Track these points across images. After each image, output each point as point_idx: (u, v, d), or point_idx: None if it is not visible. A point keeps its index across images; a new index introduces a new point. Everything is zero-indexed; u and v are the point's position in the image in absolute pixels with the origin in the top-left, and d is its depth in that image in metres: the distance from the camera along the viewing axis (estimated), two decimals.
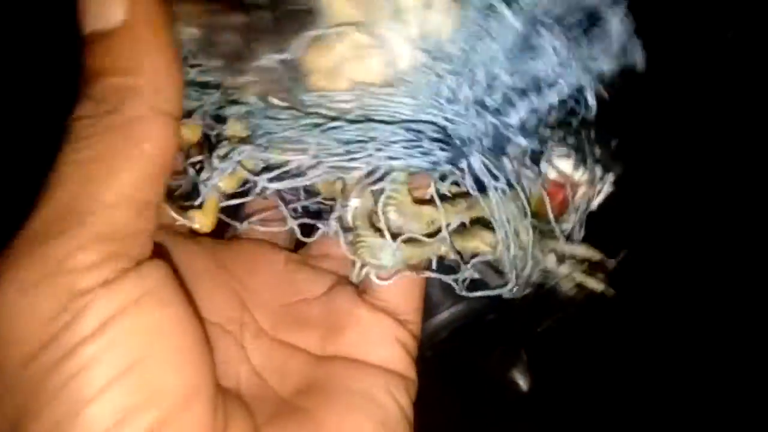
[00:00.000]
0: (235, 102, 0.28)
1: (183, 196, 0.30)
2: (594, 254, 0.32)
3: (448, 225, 0.28)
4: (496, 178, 0.28)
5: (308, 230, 0.32)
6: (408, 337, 0.31)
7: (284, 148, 0.27)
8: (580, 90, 0.29)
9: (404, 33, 0.26)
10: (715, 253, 0.79)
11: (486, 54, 0.27)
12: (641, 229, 0.77)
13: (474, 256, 0.30)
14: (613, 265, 0.32)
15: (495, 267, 0.31)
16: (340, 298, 0.31)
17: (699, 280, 0.78)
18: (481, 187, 0.28)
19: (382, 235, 0.28)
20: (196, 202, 0.29)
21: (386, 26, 0.26)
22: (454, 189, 0.30)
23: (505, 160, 0.28)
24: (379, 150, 0.26)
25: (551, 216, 0.30)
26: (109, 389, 0.21)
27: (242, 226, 0.32)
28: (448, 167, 0.27)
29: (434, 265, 0.31)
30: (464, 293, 0.30)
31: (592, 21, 0.27)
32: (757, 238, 0.79)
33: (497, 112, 0.27)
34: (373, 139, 0.26)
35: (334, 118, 0.27)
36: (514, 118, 0.28)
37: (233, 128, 0.29)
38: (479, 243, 0.30)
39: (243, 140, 0.28)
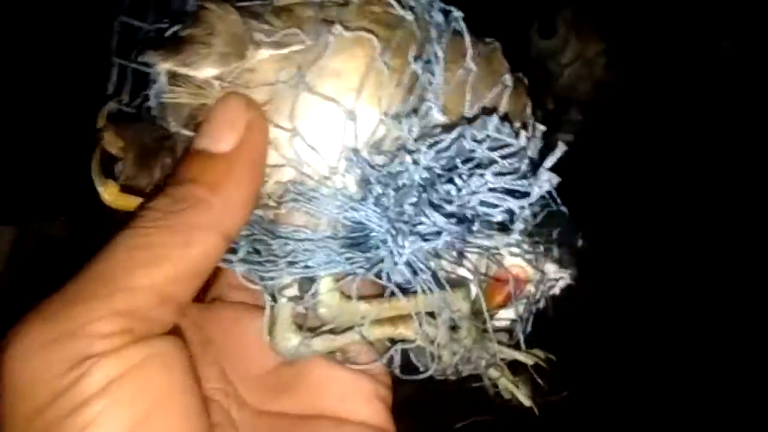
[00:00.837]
0: None
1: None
2: (530, 359, 0.34)
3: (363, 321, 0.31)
4: (416, 274, 0.30)
5: None
6: (385, 391, 0.33)
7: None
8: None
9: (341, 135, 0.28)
10: (709, 268, 0.80)
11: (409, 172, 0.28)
12: (639, 244, 0.78)
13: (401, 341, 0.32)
14: (548, 367, 0.34)
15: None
16: (315, 362, 0.32)
17: (698, 302, 0.79)
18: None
19: (296, 328, 0.31)
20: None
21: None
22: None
23: (431, 258, 0.30)
24: (302, 264, 0.29)
25: (486, 314, 0.31)
26: None
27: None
28: (363, 272, 0.29)
29: None
30: (398, 375, 0.32)
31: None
32: (755, 245, 0.79)
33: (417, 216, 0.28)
34: (296, 253, 0.29)
35: (266, 230, 0.29)
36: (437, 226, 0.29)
37: None
38: (406, 330, 0.32)
39: None
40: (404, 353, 0.32)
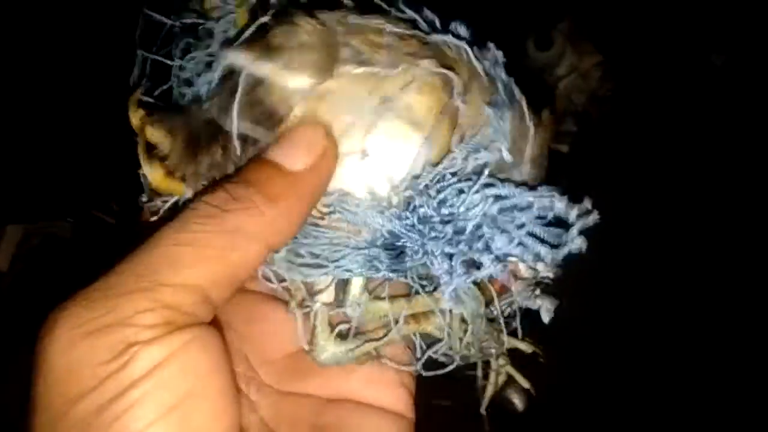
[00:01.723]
0: None
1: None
2: (529, 347, 0.35)
3: (396, 321, 0.32)
4: (449, 274, 0.31)
5: None
6: (409, 379, 0.34)
7: None
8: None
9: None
10: (700, 277, 0.81)
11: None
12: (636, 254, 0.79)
13: (425, 336, 0.33)
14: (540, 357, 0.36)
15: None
16: None
17: (695, 306, 0.81)
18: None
19: (337, 335, 0.32)
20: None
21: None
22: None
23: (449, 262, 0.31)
24: (337, 265, 0.30)
25: (498, 309, 0.33)
26: (153, 427, 0.23)
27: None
28: (394, 276, 0.31)
29: None
30: (421, 372, 0.34)
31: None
32: (744, 255, 0.81)
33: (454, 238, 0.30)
34: (335, 256, 0.30)
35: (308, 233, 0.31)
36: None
37: None
38: (430, 326, 0.33)
39: None
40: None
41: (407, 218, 0.30)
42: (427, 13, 0.32)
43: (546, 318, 0.31)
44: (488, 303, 0.33)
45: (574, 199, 0.30)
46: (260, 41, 0.29)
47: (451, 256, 0.30)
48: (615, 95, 0.90)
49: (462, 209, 0.30)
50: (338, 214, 0.31)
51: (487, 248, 0.29)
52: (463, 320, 0.33)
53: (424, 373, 0.33)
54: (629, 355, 0.79)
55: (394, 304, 0.32)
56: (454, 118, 0.31)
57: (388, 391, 0.33)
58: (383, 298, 0.32)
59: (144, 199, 0.33)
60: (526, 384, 0.36)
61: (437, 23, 0.32)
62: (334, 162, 0.29)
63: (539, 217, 0.30)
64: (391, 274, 0.31)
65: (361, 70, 0.30)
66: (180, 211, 0.27)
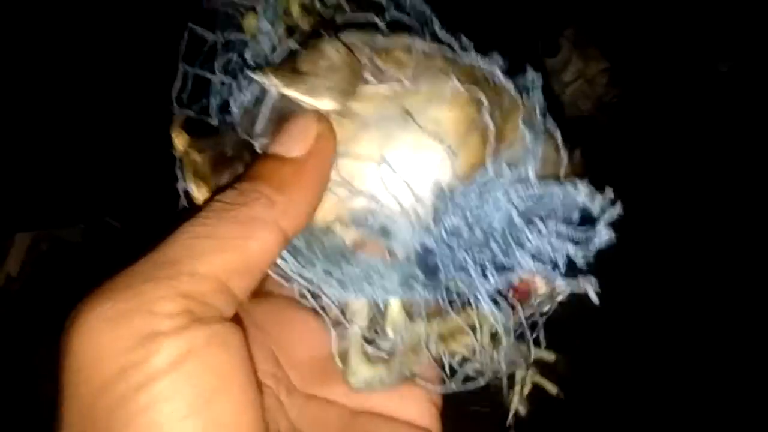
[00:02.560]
0: None
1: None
2: (551, 356, 0.36)
3: (428, 343, 0.32)
4: (483, 279, 0.31)
5: None
6: (436, 394, 0.34)
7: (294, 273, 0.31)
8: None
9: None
10: (702, 289, 0.82)
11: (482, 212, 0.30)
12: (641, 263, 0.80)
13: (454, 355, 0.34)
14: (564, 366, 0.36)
15: None
16: None
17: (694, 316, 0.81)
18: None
19: (368, 360, 0.32)
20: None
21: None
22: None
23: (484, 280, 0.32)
24: (372, 286, 0.31)
25: (524, 322, 0.33)
26: (185, 419, 0.23)
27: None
28: (428, 294, 0.31)
29: None
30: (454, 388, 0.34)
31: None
32: (747, 265, 0.81)
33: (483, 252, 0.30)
34: (370, 277, 0.31)
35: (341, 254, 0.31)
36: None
37: None
38: (460, 347, 0.33)
39: None
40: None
41: (437, 231, 0.30)
42: (463, 37, 0.32)
43: (595, 298, 0.31)
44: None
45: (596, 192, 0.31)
46: (288, 65, 0.30)
47: (483, 263, 0.30)
48: (621, 101, 0.91)
49: (487, 209, 0.30)
50: (368, 230, 0.31)
51: (519, 244, 0.30)
52: (493, 336, 0.33)
53: (454, 389, 0.33)
54: (641, 359, 0.79)
55: (430, 324, 0.32)
56: (484, 133, 0.31)
57: (415, 404, 0.34)
58: (417, 319, 0.32)
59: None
60: (554, 391, 0.36)
61: (472, 47, 0.32)
62: (332, 142, 0.30)
63: (565, 219, 0.30)
64: (426, 292, 0.31)
65: (385, 87, 0.30)
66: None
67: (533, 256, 0.30)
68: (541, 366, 0.37)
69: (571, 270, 0.31)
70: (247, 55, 0.33)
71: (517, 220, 0.30)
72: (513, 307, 0.33)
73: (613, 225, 0.30)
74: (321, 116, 0.30)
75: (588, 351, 0.75)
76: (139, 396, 0.23)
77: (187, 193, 0.32)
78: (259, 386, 0.27)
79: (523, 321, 0.33)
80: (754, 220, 0.82)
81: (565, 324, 0.36)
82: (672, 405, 0.79)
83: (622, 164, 0.85)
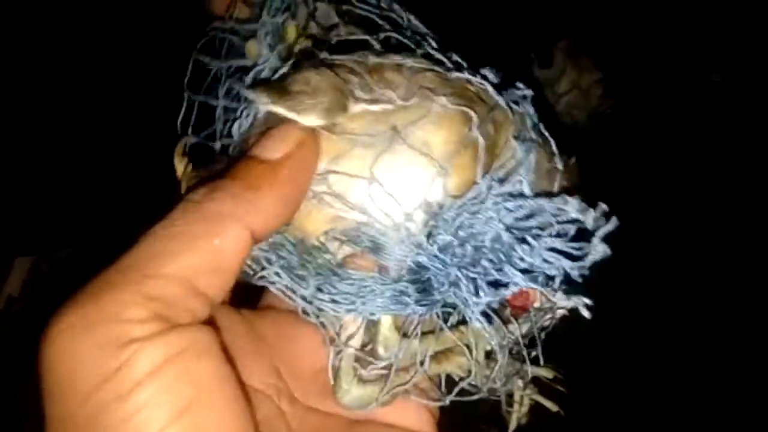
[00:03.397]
0: None
1: None
2: (550, 373, 0.36)
3: (422, 361, 0.32)
4: (475, 295, 0.31)
5: None
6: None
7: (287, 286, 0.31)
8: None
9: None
10: (699, 298, 0.82)
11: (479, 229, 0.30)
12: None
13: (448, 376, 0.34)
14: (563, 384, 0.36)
15: None
16: None
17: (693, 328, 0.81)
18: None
19: (360, 379, 0.32)
20: None
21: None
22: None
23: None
24: (364, 303, 0.31)
25: (520, 339, 0.33)
26: (166, 430, 0.23)
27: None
28: (421, 311, 0.31)
29: None
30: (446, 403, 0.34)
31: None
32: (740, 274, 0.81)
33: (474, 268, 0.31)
34: (363, 294, 0.31)
35: (331, 271, 0.31)
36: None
37: None
38: (454, 367, 0.33)
39: None
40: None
41: (429, 248, 0.31)
42: (456, 54, 0.33)
43: (587, 314, 0.31)
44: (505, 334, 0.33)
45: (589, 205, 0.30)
46: (278, 85, 0.30)
47: (474, 279, 0.30)
48: (615, 112, 0.91)
49: (478, 226, 0.30)
50: (360, 246, 0.31)
51: (511, 260, 0.30)
52: (488, 354, 0.33)
53: (449, 401, 0.33)
54: (641, 372, 0.79)
55: (423, 341, 0.32)
56: (475, 150, 0.31)
57: (412, 413, 0.34)
58: (410, 336, 0.32)
59: None
60: (554, 408, 0.36)
61: (465, 63, 0.33)
62: (314, 150, 0.30)
63: (558, 234, 0.30)
64: (419, 309, 0.31)
65: (376, 107, 0.30)
66: None
67: (526, 272, 0.30)
68: (540, 383, 0.37)
69: (569, 284, 0.31)
70: (248, 81, 0.33)
71: (506, 236, 0.30)
72: (509, 323, 0.33)
73: (608, 237, 0.30)
74: (305, 126, 0.30)
75: (587, 366, 0.75)
76: (119, 406, 0.23)
77: None
78: (247, 394, 0.26)
79: (519, 338, 0.33)
80: (748, 227, 0.83)
81: (563, 339, 0.36)
82: (671, 418, 0.79)
83: (616, 174, 0.86)
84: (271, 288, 0.32)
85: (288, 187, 0.29)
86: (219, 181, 0.28)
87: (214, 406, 0.24)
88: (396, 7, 0.36)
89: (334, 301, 0.31)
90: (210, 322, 0.26)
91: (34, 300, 0.70)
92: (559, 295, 0.32)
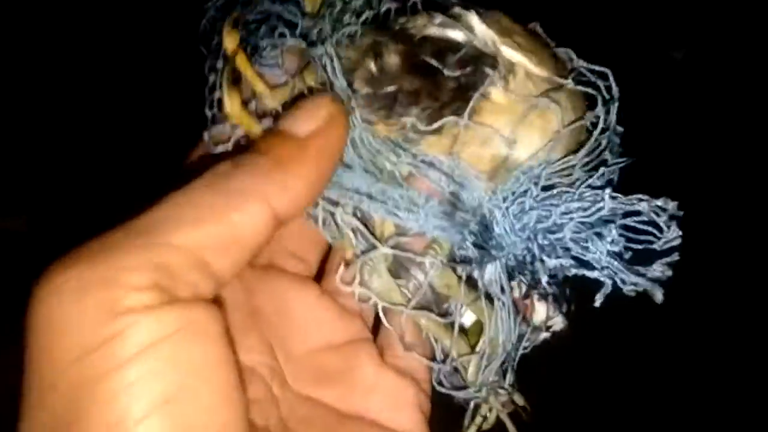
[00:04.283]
0: None
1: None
2: (521, 400, 0.35)
3: (461, 306, 0.31)
4: (503, 291, 0.31)
5: None
6: (425, 400, 0.33)
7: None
8: None
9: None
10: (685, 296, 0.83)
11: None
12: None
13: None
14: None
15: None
16: (363, 357, 0.32)
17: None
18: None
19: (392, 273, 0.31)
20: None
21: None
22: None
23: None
24: (424, 217, 0.30)
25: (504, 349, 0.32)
26: (146, 419, 0.21)
27: None
28: (476, 256, 0.31)
29: None
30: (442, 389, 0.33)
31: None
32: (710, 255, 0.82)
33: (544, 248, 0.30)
34: (427, 210, 0.30)
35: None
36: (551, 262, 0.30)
37: None
38: (455, 346, 0.32)
39: None
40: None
41: (509, 208, 0.30)
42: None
43: (561, 325, 0.31)
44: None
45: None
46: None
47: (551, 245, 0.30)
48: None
49: (560, 208, 0.29)
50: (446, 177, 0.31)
51: (587, 250, 0.29)
52: (491, 349, 0.32)
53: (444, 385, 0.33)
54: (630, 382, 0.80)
55: (466, 289, 0.31)
56: (578, 139, 0.32)
57: (405, 413, 0.32)
58: (458, 276, 0.31)
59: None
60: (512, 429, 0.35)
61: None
62: (344, 125, 0.29)
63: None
64: (474, 254, 0.30)
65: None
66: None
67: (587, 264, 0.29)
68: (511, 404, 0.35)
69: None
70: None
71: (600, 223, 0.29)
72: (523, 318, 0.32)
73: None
74: (336, 100, 0.29)
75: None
76: (106, 382, 0.21)
77: (219, 102, 0.31)
78: (244, 379, 0.25)
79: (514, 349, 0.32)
80: (711, 206, 0.84)
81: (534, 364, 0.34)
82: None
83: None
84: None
85: (316, 166, 0.27)
86: (247, 154, 0.27)
87: (202, 396, 0.22)
88: None
89: (394, 206, 0.30)
90: (215, 301, 0.24)
91: None
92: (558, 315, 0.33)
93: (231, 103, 0.30)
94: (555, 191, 0.30)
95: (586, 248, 0.29)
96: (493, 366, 0.32)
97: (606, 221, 0.29)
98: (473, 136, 0.30)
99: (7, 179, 0.70)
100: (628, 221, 0.29)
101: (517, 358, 0.33)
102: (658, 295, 0.28)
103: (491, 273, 0.31)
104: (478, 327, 0.32)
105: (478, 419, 0.34)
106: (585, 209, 0.29)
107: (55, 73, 0.74)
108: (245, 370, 0.29)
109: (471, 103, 0.29)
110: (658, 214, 0.29)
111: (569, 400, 0.80)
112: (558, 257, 0.29)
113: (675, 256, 0.28)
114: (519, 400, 0.35)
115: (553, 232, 0.29)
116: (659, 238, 0.29)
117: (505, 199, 0.30)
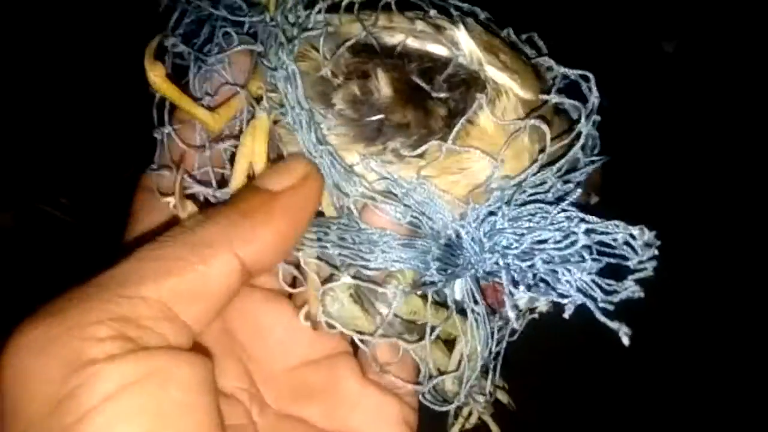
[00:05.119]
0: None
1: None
2: (505, 397, 0.35)
3: (432, 328, 0.30)
4: (476, 303, 0.30)
5: None
6: (411, 414, 0.32)
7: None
8: None
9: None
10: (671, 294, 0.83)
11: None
12: None
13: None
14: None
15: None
16: (344, 371, 0.32)
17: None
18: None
19: (355, 301, 0.31)
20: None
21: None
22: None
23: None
24: (385, 252, 0.30)
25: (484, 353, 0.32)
26: None
27: None
28: (440, 279, 0.30)
29: None
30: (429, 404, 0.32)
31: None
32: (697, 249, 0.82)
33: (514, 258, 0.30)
34: (385, 246, 0.30)
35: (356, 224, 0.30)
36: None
37: None
38: (430, 356, 0.31)
39: None
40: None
41: (474, 230, 0.30)
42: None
43: (626, 341, 0.30)
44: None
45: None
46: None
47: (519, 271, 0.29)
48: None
49: (530, 230, 0.29)
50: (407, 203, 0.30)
51: (555, 277, 0.29)
52: (469, 359, 0.31)
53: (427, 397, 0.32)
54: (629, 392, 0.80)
55: (435, 312, 0.31)
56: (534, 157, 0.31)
57: (390, 428, 0.32)
58: (423, 299, 0.31)
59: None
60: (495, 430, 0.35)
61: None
62: (318, 186, 0.29)
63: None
64: (439, 277, 0.30)
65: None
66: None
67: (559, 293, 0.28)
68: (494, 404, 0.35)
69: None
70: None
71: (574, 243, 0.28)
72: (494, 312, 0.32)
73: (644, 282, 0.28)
74: (311, 162, 0.29)
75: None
76: None
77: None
78: (220, 420, 0.24)
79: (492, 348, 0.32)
80: (702, 198, 0.84)
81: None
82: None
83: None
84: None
85: (286, 218, 0.27)
86: (216, 207, 0.27)
87: None
88: None
89: (355, 248, 0.30)
90: (203, 351, 0.25)
91: None
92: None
93: (154, 74, 0.30)
94: (527, 213, 0.29)
95: (557, 280, 0.28)
96: (472, 376, 0.31)
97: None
98: (455, 160, 0.30)
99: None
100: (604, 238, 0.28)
101: (501, 355, 0.33)
102: (625, 340, 0.28)
103: (461, 287, 0.30)
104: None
105: (461, 420, 0.34)
106: (558, 241, 0.29)
107: (44, 72, 0.74)
108: (223, 397, 0.29)
109: (455, 129, 0.29)
110: (631, 244, 0.28)
111: (568, 400, 0.79)
112: (528, 286, 0.29)
113: (649, 272, 0.28)
114: (503, 398, 0.35)
115: (524, 260, 0.29)
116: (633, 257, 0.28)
117: (474, 219, 0.30)
